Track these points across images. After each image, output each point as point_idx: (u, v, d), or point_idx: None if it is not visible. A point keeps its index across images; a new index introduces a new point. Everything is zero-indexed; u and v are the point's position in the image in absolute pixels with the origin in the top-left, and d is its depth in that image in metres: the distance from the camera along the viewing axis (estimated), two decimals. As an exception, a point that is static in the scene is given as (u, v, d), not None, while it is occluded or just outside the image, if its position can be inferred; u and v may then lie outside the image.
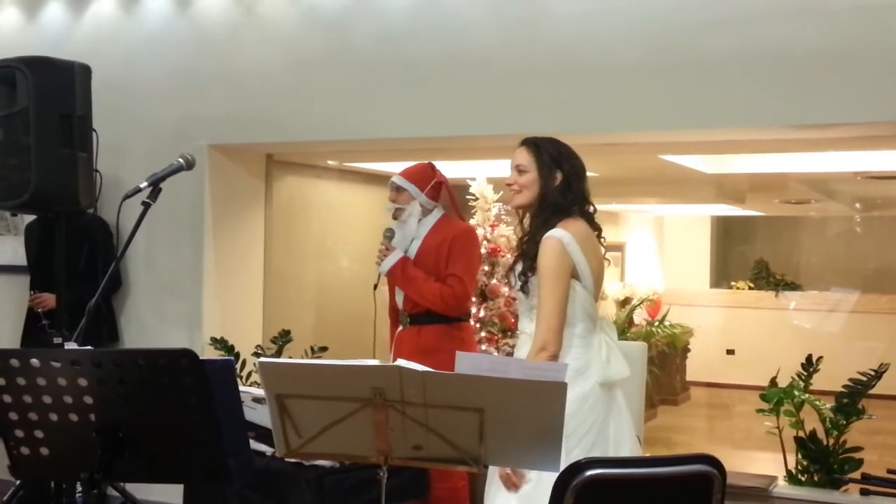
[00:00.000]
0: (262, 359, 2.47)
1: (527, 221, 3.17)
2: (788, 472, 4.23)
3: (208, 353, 4.82)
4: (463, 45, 4.53)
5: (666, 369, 9.04)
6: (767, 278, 11.13)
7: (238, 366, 4.81)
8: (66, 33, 5.47)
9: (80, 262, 4.82)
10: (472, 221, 5.37)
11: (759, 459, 5.90)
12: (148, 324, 5.32)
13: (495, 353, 4.97)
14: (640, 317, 9.47)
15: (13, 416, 2.26)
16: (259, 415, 3.24)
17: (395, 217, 4.25)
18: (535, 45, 4.38)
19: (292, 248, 5.94)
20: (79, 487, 3.88)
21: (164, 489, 4.46)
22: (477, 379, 2.32)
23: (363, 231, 6.64)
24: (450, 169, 4.59)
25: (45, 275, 4.82)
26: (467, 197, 5.44)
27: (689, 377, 9.80)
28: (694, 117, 4.16)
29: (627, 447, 3.01)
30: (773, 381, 4.34)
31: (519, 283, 3.09)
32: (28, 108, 4.34)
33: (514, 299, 4.88)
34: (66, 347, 2.90)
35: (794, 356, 4.46)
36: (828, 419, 4.16)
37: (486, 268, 5.26)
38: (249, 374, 4.91)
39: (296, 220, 5.98)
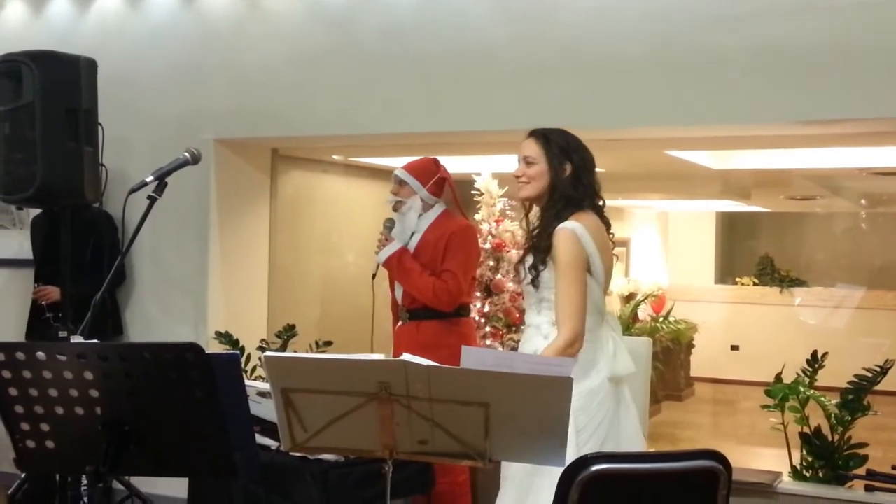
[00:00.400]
0: (268, 353, 2.46)
1: (533, 215, 3.14)
2: (793, 468, 4.23)
3: (213, 348, 4.82)
4: (468, 40, 4.53)
5: (670, 365, 9.04)
6: (772, 274, 11.12)
7: (243, 360, 4.81)
8: (72, 27, 5.47)
9: (86, 256, 4.83)
10: (476, 216, 5.37)
11: (764, 455, 5.90)
12: (153, 318, 5.32)
13: (500, 348, 4.97)
14: (644, 312, 9.46)
15: (19, 409, 2.26)
16: (264, 409, 3.24)
17: (395, 209, 4.26)
18: (541, 41, 4.38)
19: (297, 243, 5.94)
20: (84, 481, 3.91)
21: (169, 483, 4.48)
22: (482, 374, 2.32)
23: (368, 225, 6.63)
24: (455, 164, 4.59)
25: (51, 268, 4.83)
26: (472, 192, 5.44)
27: (693, 373, 9.79)
28: (699, 113, 4.15)
29: (637, 442, 3.01)
30: (779, 377, 4.34)
31: (529, 277, 3.06)
32: (34, 102, 4.35)
33: (519, 294, 4.89)
34: (71, 341, 2.91)
35: (798, 352, 4.45)
36: (833, 415, 4.15)
37: (491, 263, 5.26)
38: (254, 369, 4.91)
39: (301, 214, 5.98)
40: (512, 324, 5.17)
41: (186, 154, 3.46)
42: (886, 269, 10.36)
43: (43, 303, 4.83)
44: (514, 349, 3.71)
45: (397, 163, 6.44)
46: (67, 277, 4.50)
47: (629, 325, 8.56)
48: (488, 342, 5.07)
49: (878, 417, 4.21)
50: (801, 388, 4.22)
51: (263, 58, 5.01)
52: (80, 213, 4.77)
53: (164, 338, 4.96)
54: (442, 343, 3.95)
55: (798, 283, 10.82)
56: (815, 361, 4.29)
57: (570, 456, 2.36)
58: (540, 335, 3.05)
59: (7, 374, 2.23)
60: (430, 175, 4.24)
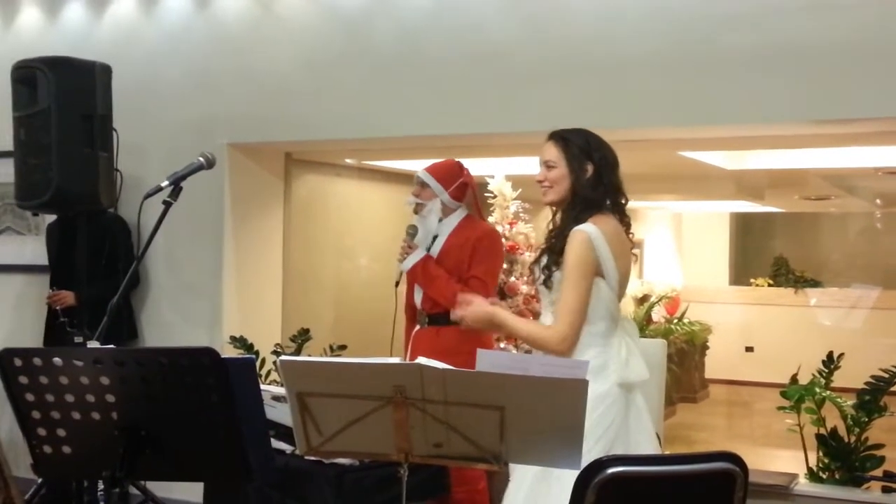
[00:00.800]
0: (284, 357, 2.47)
1: (559, 217, 3.12)
2: (810, 469, 4.21)
3: (228, 352, 4.84)
4: (481, 43, 4.53)
5: (685, 367, 9.01)
6: (787, 275, 11.07)
7: (257, 364, 4.82)
8: (87, 34, 5.50)
9: (101, 262, 4.85)
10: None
11: (780, 457, 5.87)
12: (168, 322, 5.34)
13: (514, 351, 4.96)
14: (658, 314, 9.44)
15: (36, 414, 2.27)
16: (279, 413, 3.25)
17: (415, 212, 4.22)
18: (553, 43, 4.38)
19: (311, 247, 5.95)
20: (101, 486, 3.92)
21: (184, 487, 4.49)
22: (497, 376, 2.31)
23: (382, 229, 6.65)
24: (468, 166, 4.58)
25: (66, 274, 4.86)
26: (486, 194, 5.44)
27: (708, 375, 9.76)
28: (713, 113, 4.14)
29: (649, 450, 2.98)
30: (794, 379, 4.32)
31: (542, 277, 3.06)
32: (49, 108, 4.38)
33: (533, 297, 4.88)
34: (88, 346, 2.92)
35: (814, 353, 4.43)
36: (849, 416, 4.13)
37: (505, 265, 5.26)
38: (269, 373, 4.92)
39: (314, 218, 5.99)
40: (526, 326, 5.15)
41: (201, 159, 3.48)
42: (902, 268, 10.31)
43: (58, 308, 4.85)
44: (528, 352, 3.71)
45: (411, 166, 6.48)
46: (82, 283, 4.53)
47: (643, 326, 8.55)
48: (502, 345, 5.06)
49: (894, 418, 4.19)
50: (817, 390, 4.20)
51: (277, 62, 5.03)
52: (95, 219, 4.79)
53: (179, 342, 4.98)
54: (462, 349, 3.90)
55: (813, 283, 10.77)
56: (830, 362, 4.27)
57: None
58: None
59: (24, 380, 2.24)
60: (454, 179, 4.18)
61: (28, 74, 4.47)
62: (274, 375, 4.81)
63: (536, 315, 3.51)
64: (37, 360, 2.22)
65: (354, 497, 3.42)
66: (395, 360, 2.35)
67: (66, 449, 2.30)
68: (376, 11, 4.79)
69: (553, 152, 3.07)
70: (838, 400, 4.20)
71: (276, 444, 3.27)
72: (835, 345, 4.41)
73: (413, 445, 2.34)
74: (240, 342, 5.00)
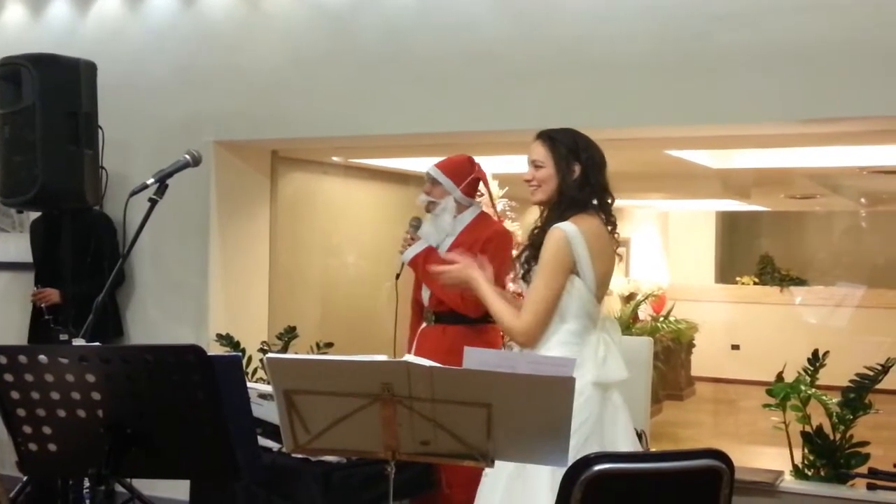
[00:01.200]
0: (270, 354, 2.46)
1: (545, 215, 3.12)
2: (795, 466, 4.23)
3: (214, 350, 4.82)
4: (469, 41, 4.53)
5: (671, 364, 9.05)
6: (773, 273, 11.13)
7: (244, 362, 4.81)
8: (72, 30, 5.48)
9: (86, 259, 4.82)
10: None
11: (766, 454, 5.89)
12: (154, 320, 5.32)
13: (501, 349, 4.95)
14: (644, 312, 9.47)
15: (21, 412, 2.26)
16: (266, 411, 3.24)
17: (427, 210, 4.10)
18: (541, 41, 4.38)
19: (298, 245, 5.94)
20: (86, 483, 3.91)
21: (171, 485, 4.47)
22: (484, 374, 2.32)
23: (368, 227, 6.66)
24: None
25: (51, 271, 4.83)
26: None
27: (694, 372, 9.80)
28: (699, 112, 4.15)
29: (625, 448, 2.97)
30: (780, 376, 4.34)
31: (521, 271, 3.07)
32: (34, 105, 4.36)
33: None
34: (73, 343, 2.91)
35: (799, 351, 4.45)
36: (834, 414, 4.15)
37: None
38: (255, 371, 4.91)
39: (301, 216, 5.98)
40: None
41: (187, 156, 3.46)
42: (887, 267, 10.36)
43: (42, 305, 4.83)
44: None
45: (398, 164, 6.49)
46: (67, 280, 4.51)
47: (629, 324, 8.58)
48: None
49: (879, 416, 4.21)
50: (803, 387, 4.22)
51: (263, 60, 5.01)
52: (80, 216, 4.77)
53: (165, 340, 4.97)
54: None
55: (798, 282, 10.83)
56: (816, 360, 4.29)
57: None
58: None
59: (9, 378, 2.23)
60: (465, 175, 4.06)
61: (12, 71, 4.44)
62: (261, 373, 4.80)
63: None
64: (22, 358, 2.21)
65: (342, 495, 3.42)
66: (382, 357, 2.34)
67: (52, 447, 2.29)
68: (363, 8, 4.78)
69: (541, 152, 3.07)
70: (823, 398, 4.22)
71: (263, 441, 3.26)
72: (820, 343, 4.43)
73: (400, 443, 2.34)
74: (226, 340, 4.99)
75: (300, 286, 5.98)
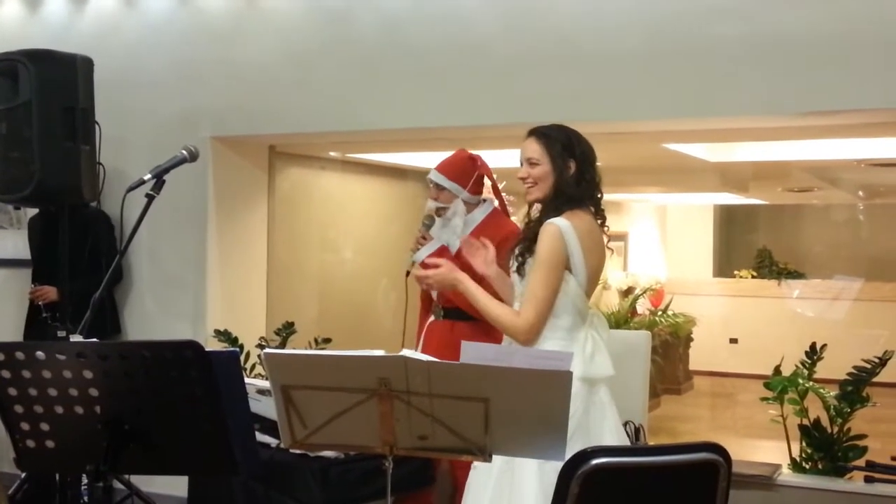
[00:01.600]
0: (268, 349, 2.46)
1: (538, 210, 3.11)
2: (793, 459, 4.24)
3: (212, 346, 4.82)
4: (465, 35, 4.52)
5: (669, 358, 9.05)
6: (770, 267, 11.12)
7: (242, 358, 4.81)
8: (68, 26, 5.46)
9: (83, 256, 4.82)
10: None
11: (763, 448, 5.91)
12: (151, 316, 5.32)
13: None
14: (642, 306, 9.48)
15: (18, 408, 2.26)
16: (264, 406, 3.24)
17: (437, 215, 4.04)
18: (538, 34, 4.37)
19: (295, 240, 5.94)
20: (84, 480, 3.91)
21: (169, 481, 4.47)
22: (482, 368, 2.32)
23: (366, 222, 6.65)
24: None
25: (48, 268, 4.83)
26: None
27: (692, 366, 9.81)
28: (697, 105, 4.14)
29: (611, 442, 2.97)
30: (777, 370, 4.34)
31: (515, 265, 3.07)
32: (31, 100, 4.34)
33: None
34: (71, 340, 2.90)
35: (797, 345, 4.45)
36: (832, 407, 4.15)
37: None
38: (253, 367, 4.91)
39: (298, 211, 5.98)
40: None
41: (184, 152, 3.46)
42: (884, 260, 10.37)
43: (40, 303, 4.83)
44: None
45: (395, 159, 6.48)
46: (65, 277, 4.50)
47: (627, 318, 8.58)
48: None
49: (877, 409, 4.22)
50: (801, 381, 4.22)
51: (260, 55, 5.01)
52: (78, 213, 4.76)
53: (163, 336, 4.96)
54: None
55: (796, 275, 10.83)
56: (813, 353, 4.29)
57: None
58: None
59: (6, 374, 2.23)
60: (469, 174, 4.00)
61: (9, 67, 4.42)
62: (259, 369, 4.80)
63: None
64: (19, 355, 2.21)
65: (340, 490, 3.42)
66: (379, 352, 2.34)
67: (50, 443, 2.29)
68: (359, 3, 4.78)
69: (535, 149, 3.06)
70: (821, 391, 4.23)
71: (261, 437, 3.27)
72: (818, 336, 4.43)
73: (398, 438, 2.34)
74: (224, 336, 4.99)
75: (298, 281, 5.98)
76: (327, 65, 4.84)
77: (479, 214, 4.04)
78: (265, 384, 3.04)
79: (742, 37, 3.99)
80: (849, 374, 4.15)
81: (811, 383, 4.23)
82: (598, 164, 3.15)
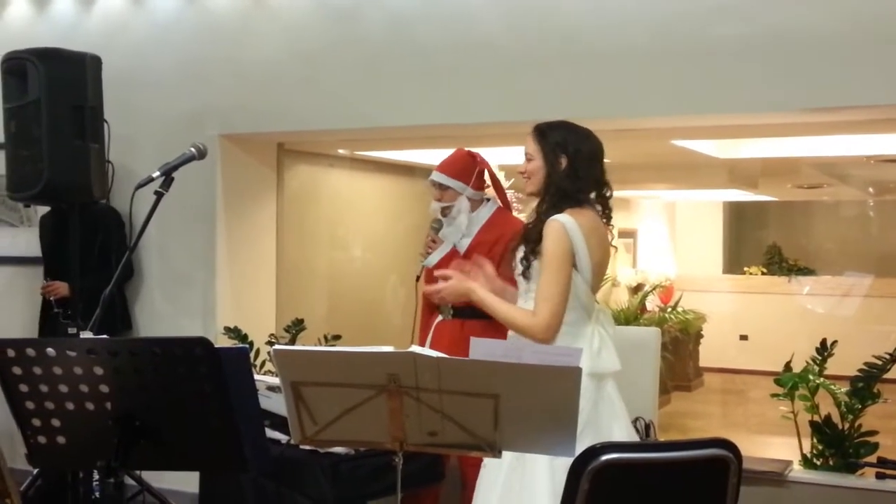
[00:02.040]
0: (277, 346, 2.47)
1: (532, 214, 3.14)
2: (803, 456, 4.22)
3: (222, 343, 4.83)
4: (472, 32, 4.52)
5: (679, 355, 9.03)
6: (780, 263, 11.10)
7: (252, 355, 4.82)
8: (76, 25, 5.48)
9: (93, 253, 4.84)
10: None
11: (774, 444, 5.89)
12: (161, 313, 5.33)
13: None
14: (652, 303, 9.46)
15: (30, 405, 2.27)
16: (274, 403, 3.25)
17: (443, 215, 4.04)
18: (546, 31, 4.37)
19: (304, 237, 5.95)
20: (96, 476, 3.92)
21: (180, 477, 4.49)
22: (491, 365, 2.32)
23: (374, 220, 6.65)
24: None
25: (59, 265, 4.84)
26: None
27: (702, 363, 9.78)
28: (705, 102, 4.13)
29: (622, 438, 2.98)
30: (788, 366, 4.33)
31: (521, 268, 3.08)
32: (39, 99, 4.36)
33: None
34: (81, 337, 2.91)
35: (807, 341, 4.44)
36: (843, 403, 4.14)
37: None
38: (263, 363, 4.92)
39: (307, 209, 5.99)
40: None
41: (192, 149, 3.46)
42: (895, 256, 10.33)
43: (52, 299, 4.84)
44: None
45: (404, 156, 6.48)
46: (75, 273, 4.52)
47: (637, 315, 8.56)
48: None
49: (888, 405, 4.20)
50: (811, 377, 4.21)
51: (268, 52, 5.01)
52: (87, 210, 4.78)
53: (173, 333, 4.97)
54: None
55: (806, 271, 10.80)
56: (824, 350, 4.28)
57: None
58: None
59: (17, 371, 2.24)
60: (470, 171, 4.01)
61: (18, 66, 4.44)
62: (269, 366, 4.81)
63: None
64: (30, 351, 2.22)
65: (350, 486, 3.43)
66: (389, 348, 2.35)
67: (61, 439, 2.30)
68: (366, 1, 4.78)
69: (531, 145, 3.12)
70: (832, 387, 4.21)
71: (271, 433, 3.27)
72: (828, 332, 4.41)
73: (408, 434, 2.34)
74: (234, 333, 5.00)
75: (307, 279, 5.98)
76: (335, 63, 4.84)
77: (485, 213, 4.05)
78: (275, 381, 3.04)
79: (749, 33, 3.98)
80: (860, 370, 4.14)
81: (822, 380, 4.22)
82: (607, 161, 3.15)
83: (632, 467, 2.27)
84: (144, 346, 2.23)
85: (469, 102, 4.54)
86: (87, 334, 2.88)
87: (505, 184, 5.38)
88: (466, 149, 4.15)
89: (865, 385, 4.09)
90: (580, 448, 2.27)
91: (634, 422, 3.48)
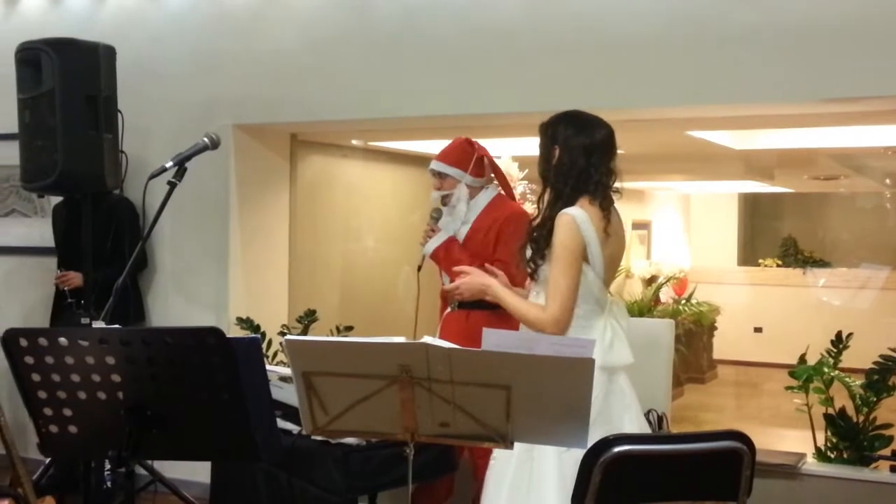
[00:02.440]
0: (289, 336, 2.46)
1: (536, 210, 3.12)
2: (818, 449, 4.20)
3: (234, 333, 4.83)
4: (486, 22, 4.50)
5: (693, 347, 9.01)
6: (796, 255, 11.05)
7: (264, 345, 4.83)
8: (90, 15, 5.48)
9: (107, 243, 4.85)
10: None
11: (788, 437, 5.87)
12: (174, 304, 5.35)
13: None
14: (666, 295, 9.44)
15: (42, 394, 2.27)
16: (286, 393, 3.25)
17: (443, 204, 4.05)
18: (560, 21, 4.35)
19: (317, 228, 5.95)
20: (108, 465, 3.93)
21: (191, 467, 4.50)
22: (503, 356, 2.31)
23: (388, 210, 6.65)
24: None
25: (73, 256, 4.85)
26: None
27: (716, 355, 9.76)
28: (721, 92, 4.11)
29: (632, 429, 2.96)
30: (803, 359, 4.31)
31: (529, 270, 3.05)
32: (54, 89, 4.36)
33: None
34: (93, 326, 2.92)
35: (822, 334, 4.41)
36: (857, 396, 4.12)
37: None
38: (276, 354, 4.93)
39: (320, 199, 5.98)
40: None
41: (205, 139, 3.46)
42: (911, 249, 10.28)
43: (65, 289, 4.86)
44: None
45: (417, 147, 6.47)
46: (89, 264, 4.53)
47: (651, 307, 8.55)
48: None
49: (903, 398, 4.17)
50: (826, 369, 4.18)
51: (282, 43, 5.00)
52: (101, 200, 4.79)
53: (186, 323, 4.99)
54: None
55: (822, 264, 10.75)
56: (839, 342, 4.25)
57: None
58: None
59: (30, 360, 2.24)
60: (468, 158, 4.01)
61: (32, 56, 4.45)
62: (281, 357, 4.81)
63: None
64: (42, 341, 2.22)
65: (361, 476, 3.42)
66: (401, 339, 2.34)
67: (73, 428, 2.30)
68: (381, -10, 4.77)
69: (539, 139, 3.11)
70: (847, 380, 4.19)
71: (283, 424, 3.27)
72: (844, 325, 4.38)
73: (419, 425, 2.34)
74: (246, 323, 5.01)
75: (320, 269, 5.99)
76: (348, 52, 4.84)
77: (484, 199, 4.04)
78: (287, 371, 3.04)
79: (764, 23, 3.95)
80: (875, 363, 4.11)
81: (837, 372, 4.19)
82: (621, 151, 3.11)
83: (644, 459, 2.26)
84: (156, 336, 2.23)
85: (483, 92, 4.52)
86: (99, 324, 2.89)
87: (518, 175, 5.37)
88: (464, 137, 4.14)
89: (881, 378, 4.07)
90: (591, 440, 2.26)
91: (647, 414, 3.47)
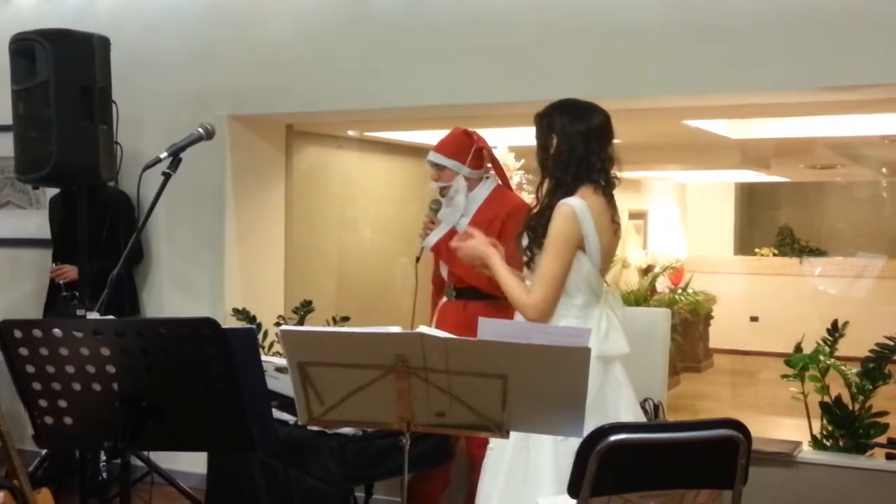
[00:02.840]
0: (284, 326, 2.46)
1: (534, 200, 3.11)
2: (813, 437, 4.21)
3: (231, 324, 4.83)
4: (484, 11, 4.48)
5: (689, 337, 9.02)
6: (792, 245, 11.06)
7: (260, 336, 4.83)
8: (85, 5, 5.45)
9: (102, 235, 4.84)
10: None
11: (784, 425, 5.88)
12: (170, 295, 5.34)
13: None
14: (662, 284, 9.44)
15: (36, 385, 2.27)
16: (282, 384, 3.25)
17: (441, 195, 4.02)
18: (557, 10, 4.33)
19: (313, 219, 5.94)
20: (103, 457, 3.93)
21: (188, 458, 4.51)
22: (499, 345, 2.31)
23: (384, 201, 6.64)
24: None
25: (68, 247, 4.85)
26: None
27: (712, 344, 9.78)
28: (718, 81, 4.10)
29: (627, 418, 2.96)
30: (798, 347, 4.31)
31: (525, 259, 3.05)
32: (48, 80, 4.35)
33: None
34: (88, 318, 2.91)
35: (819, 322, 4.42)
36: (853, 384, 4.12)
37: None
38: (272, 345, 4.92)
39: (316, 190, 5.98)
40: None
41: (200, 130, 3.45)
42: (908, 237, 10.28)
43: (60, 281, 4.85)
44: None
45: (413, 137, 6.46)
46: (84, 256, 4.52)
47: (647, 297, 8.55)
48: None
49: (899, 386, 4.18)
50: (822, 358, 4.19)
51: (277, 33, 4.99)
52: (97, 192, 4.78)
53: (182, 315, 4.97)
54: None
55: (818, 253, 10.76)
56: (835, 331, 4.26)
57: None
58: None
59: (24, 352, 2.23)
60: (466, 149, 3.97)
61: (26, 47, 4.43)
62: (277, 347, 4.81)
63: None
64: (36, 332, 2.21)
65: (357, 467, 3.43)
66: (397, 328, 2.33)
67: (68, 420, 2.30)
68: (376, -20, 4.75)
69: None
70: (843, 368, 4.19)
71: (279, 414, 3.28)
72: (840, 314, 4.38)
73: (415, 414, 2.34)
74: (242, 314, 5.00)
75: (316, 260, 5.98)
76: (344, 42, 4.82)
77: (483, 191, 4.01)
78: (283, 362, 3.04)
79: (762, 11, 3.94)
80: (871, 351, 4.12)
81: (832, 360, 4.20)
82: (617, 141, 3.11)
83: (640, 448, 2.26)
84: (151, 327, 2.22)
85: (480, 82, 4.51)
86: (94, 315, 2.88)
87: (515, 165, 5.37)
88: (462, 128, 4.11)
89: (876, 366, 4.07)
90: (587, 430, 2.26)
91: (643, 403, 3.47)
